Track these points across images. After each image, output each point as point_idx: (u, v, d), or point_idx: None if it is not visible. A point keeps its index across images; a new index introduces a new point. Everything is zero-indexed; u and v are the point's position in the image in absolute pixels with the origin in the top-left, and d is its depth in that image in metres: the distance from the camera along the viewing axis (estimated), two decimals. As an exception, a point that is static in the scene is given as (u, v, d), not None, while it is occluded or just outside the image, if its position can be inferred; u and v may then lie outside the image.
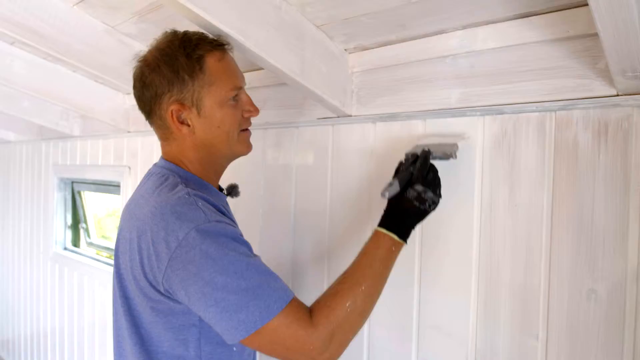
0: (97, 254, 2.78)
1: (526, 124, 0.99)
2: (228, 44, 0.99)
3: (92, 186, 2.73)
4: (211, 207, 0.87)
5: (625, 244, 0.87)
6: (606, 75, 0.88)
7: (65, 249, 2.90)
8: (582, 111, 0.92)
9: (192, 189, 0.90)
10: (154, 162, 1.02)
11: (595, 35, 0.88)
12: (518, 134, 1.00)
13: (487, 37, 1.02)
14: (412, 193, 0.95)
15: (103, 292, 2.43)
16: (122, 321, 0.95)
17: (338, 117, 1.33)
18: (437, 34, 1.10)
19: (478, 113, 1.06)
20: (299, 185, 1.46)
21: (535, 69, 0.97)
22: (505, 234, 1.02)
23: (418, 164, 0.99)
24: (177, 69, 0.91)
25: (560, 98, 0.94)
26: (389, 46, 1.20)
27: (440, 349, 1.12)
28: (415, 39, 1.14)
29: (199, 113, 0.94)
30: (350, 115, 1.30)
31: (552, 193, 0.96)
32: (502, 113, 1.02)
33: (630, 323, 0.87)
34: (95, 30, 1.44)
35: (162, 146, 1.01)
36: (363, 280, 0.88)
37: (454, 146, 1.02)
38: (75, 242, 2.94)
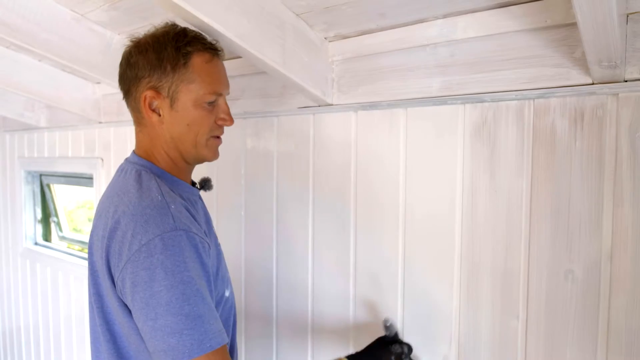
0: (68, 247, 2.71)
1: (505, 112, 1.02)
2: (222, 50, 0.99)
3: (62, 179, 2.64)
4: (183, 212, 0.86)
5: (600, 226, 0.91)
6: (582, 64, 0.91)
7: (37, 244, 2.81)
8: (560, 99, 0.95)
9: (165, 186, 0.90)
10: (128, 152, 1.01)
11: (572, 25, 0.91)
12: (498, 121, 1.03)
13: (467, 26, 1.03)
14: (397, 348, 1.03)
15: (79, 286, 2.38)
16: (96, 318, 0.94)
17: (319, 106, 1.33)
18: (417, 23, 1.10)
19: (459, 101, 1.07)
20: (281, 174, 1.46)
21: (514, 58, 0.99)
22: (486, 219, 1.05)
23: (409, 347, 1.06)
24: (163, 57, 0.91)
25: (538, 86, 0.96)
26: (369, 35, 1.20)
27: (425, 332, 1.15)
28: (396, 28, 1.14)
29: (171, 106, 0.93)
30: (332, 104, 1.30)
31: (531, 178, 0.99)
32: (482, 101, 1.04)
33: (604, 300, 0.91)
34: (64, 18, 1.37)
35: (136, 134, 1.01)
36: None
37: None
38: (47, 236, 2.85)
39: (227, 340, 0.81)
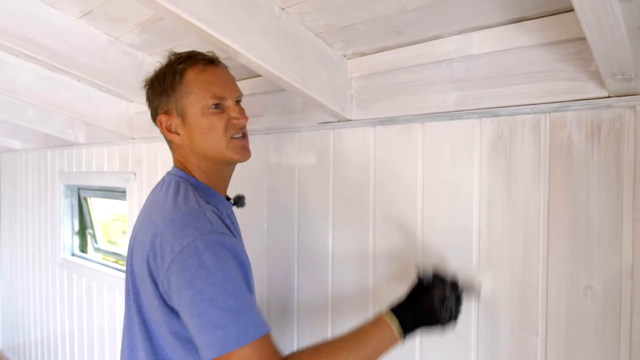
0: (103, 258, 2.82)
1: (522, 126, 1.02)
2: (216, 59, 1.04)
3: (98, 192, 2.77)
4: (218, 220, 0.92)
5: (619, 240, 0.90)
6: (598, 77, 0.90)
7: (73, 255, 2.94)
8: (576, 112, 0.95)
9: (201, 196, 0.95)
10: (159, 167, 1.08)
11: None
12: (514, 135, 1.03)
13: (481, 42, 1.04)
14: (439, 294, 0.93)
15: (111, 296, 2.47)
16: (134, 316, 0.99)
17: (338, 121, 1.36)
18: (433, 40, 1.13)
19: (475, 115, 1.08)
20: (302, 188, 1.49)
21: (529, 72, 0.99)
22: (503, 234, 1.05)
23: (452, 282, 0.97)
24: (163, 83, 1.00)
25: (554, 100, 0.96)
26: (386, 52, 1.22)
27: (444, 350, 1.15)
28: (412, 45, 1.17)
29: (183, 121, 1.00)
30: (350, 120, 1.33)
31: (548, 192, 0.98)
32: (498, 115, 1.05)
33: (626, 317, 0.89)
34: (99, 41, 1.47)
35: (172, 154, 1.08)
36: (347, 352, 0.86)
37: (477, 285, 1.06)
38: (83, 248, 2.98)
39: (269, 329, 0.84)
